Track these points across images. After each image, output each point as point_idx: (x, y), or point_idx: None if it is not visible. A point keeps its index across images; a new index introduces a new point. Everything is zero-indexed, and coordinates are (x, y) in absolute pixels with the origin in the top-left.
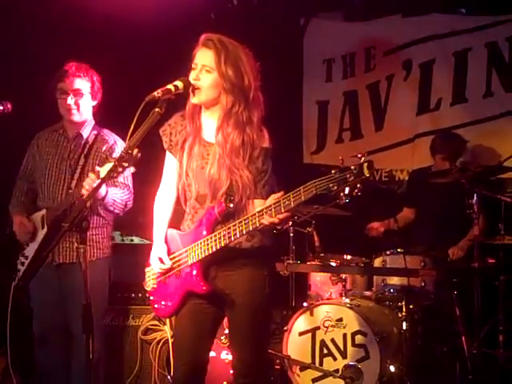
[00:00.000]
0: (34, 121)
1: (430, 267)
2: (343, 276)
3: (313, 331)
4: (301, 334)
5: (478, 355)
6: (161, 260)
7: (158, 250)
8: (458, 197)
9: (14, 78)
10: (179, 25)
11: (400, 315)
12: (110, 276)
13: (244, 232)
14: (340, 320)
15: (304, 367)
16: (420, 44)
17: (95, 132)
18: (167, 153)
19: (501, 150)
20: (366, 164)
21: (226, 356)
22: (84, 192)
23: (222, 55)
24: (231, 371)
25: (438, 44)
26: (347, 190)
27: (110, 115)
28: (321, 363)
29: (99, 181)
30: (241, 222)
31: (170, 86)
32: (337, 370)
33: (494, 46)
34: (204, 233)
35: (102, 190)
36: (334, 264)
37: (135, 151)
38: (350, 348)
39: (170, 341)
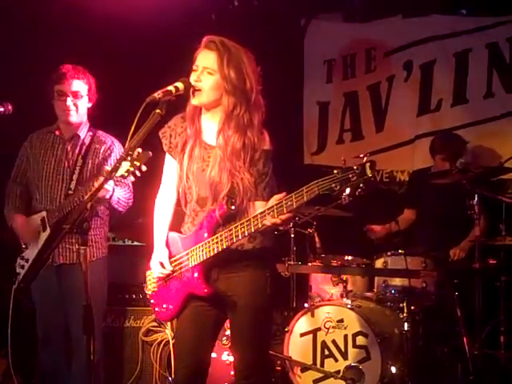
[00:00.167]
0: (34, 121)
1: (431, 268)
2: (344, 277)
3: (314, 332)
4: (302, 335)
5: (479, 356)
6: (162, 264)
7: (159, 254)
8: (459, 198)
9: (14, 78)
10: (180, 26)
11: (401, 316)
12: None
13: (246, 233)
14: (341, 321)
15: (305, 368)
16: (420, 45)
17: (90, 133)
18: (167, 155)
19: (501, 150)
20: (368, 164)
21: (228, 357)
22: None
23: (224, 57)
24: (232, 372)
25: (439, 45)
26: (350, 190)
27: (110, 116)
28: (322, 364)
29: (102, 180)
30: (243, 223)
31: (170, 88)
32: (338, 371)
33: (494, 46)
34: (205, 235)
35: (110, 190)
36: (335, 265)
37: (140, 151)
38: (351, 349)
39: (171, 343)
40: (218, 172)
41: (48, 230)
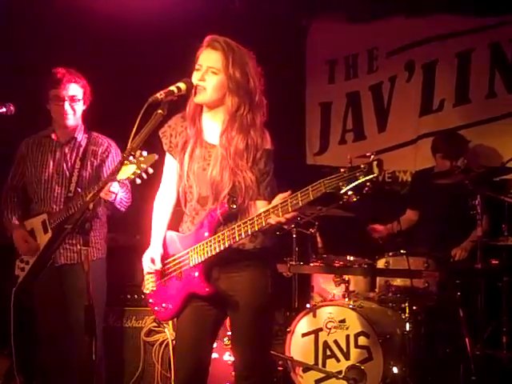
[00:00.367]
0: (35, 121)
1: (433, 268)
2: (346, 277)
3: (316, 332)
4: (304, 335)
5: (481, 356)
6: (152, 260)
7: (152, 251)
8: (461, 198)
9: (14, 78)
10: (181, 26)
11: (403, 316)
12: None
13: (249, 232)
14: (343, 321)
15: (307, 368)
16: (423, 45)
17: (86, 135)
18: (167, 154)
19: (503, 150)
20: (375, 162)
21: (229, 357)
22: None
23: (229, 57)
24: (233, 373)
25: (441, 45)
26: (357, 188)
27: (110, 116)
28: (324, 364)
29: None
30: (246, 222)
31: (172, 88)
32: (340, 372)
33: (497, 46)
34: (206, 234)
35: (116, 192)
36: (336, 265)
37: (146, 154)
38: (352, 349)
39: (171, 343)
40: (219, 171)
41: (49, 233)
